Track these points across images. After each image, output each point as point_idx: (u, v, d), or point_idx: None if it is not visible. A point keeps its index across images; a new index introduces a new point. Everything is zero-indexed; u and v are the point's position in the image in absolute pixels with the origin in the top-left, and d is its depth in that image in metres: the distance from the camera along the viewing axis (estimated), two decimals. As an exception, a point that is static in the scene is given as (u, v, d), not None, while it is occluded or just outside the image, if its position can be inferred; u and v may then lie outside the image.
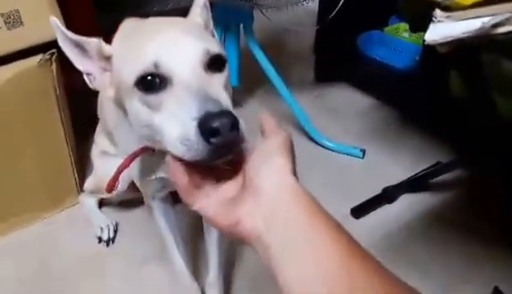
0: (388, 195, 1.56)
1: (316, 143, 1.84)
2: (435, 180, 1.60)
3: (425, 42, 0.71)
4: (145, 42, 0.68)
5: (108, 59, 0.74)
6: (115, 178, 0.77)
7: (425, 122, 1.83)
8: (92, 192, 1.51)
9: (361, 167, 1.75)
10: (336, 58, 2.12)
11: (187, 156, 0.59)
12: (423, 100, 1.80)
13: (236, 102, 2.09)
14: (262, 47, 1.85)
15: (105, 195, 1.48)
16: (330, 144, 1.82)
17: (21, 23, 1.31)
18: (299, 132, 1.88)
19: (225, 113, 0.58)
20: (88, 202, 1.56)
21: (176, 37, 0.68)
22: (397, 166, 1.71)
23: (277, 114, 1.97)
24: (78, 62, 0.76)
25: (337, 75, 2.19)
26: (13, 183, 1.47)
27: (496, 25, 0.66)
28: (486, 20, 0.66)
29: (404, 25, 2.06)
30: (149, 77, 0.64)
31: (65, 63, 1.37)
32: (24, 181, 1.48)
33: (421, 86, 1.78)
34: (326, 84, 2.20)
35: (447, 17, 0.69)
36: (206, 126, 0.57)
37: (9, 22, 1.29)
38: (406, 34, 2.05)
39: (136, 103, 0.67)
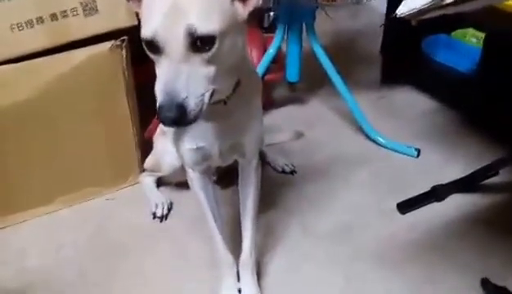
0: (437, 193, 1.53)
1: (372, 140, 1.85)
2: (486, 182, 1.56)
3: (397, 16, 0.78)
4: (156, 9, 0.79)
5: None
6: (156, 124, 0.86)
7: (484, 126, 1.78)
8: (151, 170, 1.62)
9: (414, 165, 1.73)
10: (402, 60, 2.12)
11: None
12: (484, 104, 1.75)
13: (298, 99, 2.15)
14: (330, 49, 1.90)
15: (163, 173, 1.58)
16: (384, 142, 1.82)
17: (97, 11, 1.45)
18: (356, 130, 1.92)
19: (172, 109, 0.77)
20: (147, 180, 1.66)
21: (175, 14, 0.77)
22: (451, 167, 1.68)
23: (337, 112, 2.01)
24: None
25: (402, 77, 2.19)
26: (80, 158, 1.59)
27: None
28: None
29: (472, 31, 2.02)
30: (150, 43, 0.79)
31: (133, 55, 1.53)
32: (90, 157, 1.60)
33: (482, 90, 1.73)
34: (391, 86, 2.20)
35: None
36: (159, 115, 0.78)
37: (86, 10, 1.44)
38: (473, 39, 2.01)
39: (148, 53, 0.82)
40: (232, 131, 1.06)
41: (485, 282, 1.24)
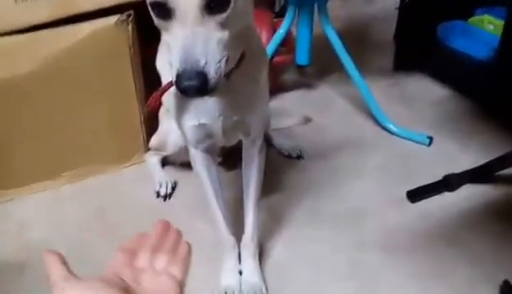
0: (449, 183, 1.49)
1: (383, 128, 1.81)
2: (499, 173, 1.51)
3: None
4: None
5: None
6: (156, 98, 0.82)
7: (499, 116, 1.74)
8: (156, 149, 1.60)
9: (426, 154, 1.69)
10: (415, 47, 2.06)
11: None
12: (500, 92, 1.70)
13: (307, 84, 2.11)
14: (343, 34, 1.85)
15: (168, 152, 1.56)
16: (395, 129, 1.77)
17: (103, -17, 1.41)
18: (366, 116, 1.88)
19: (193, 77, 0.72)
20: (152, 159, 1.64)
21: None
22: (463, 156, 1.63)
23: (347, 98, 1.97)
24: None
25: (415, 64, 2.13)
26: (84, 134, 1.58)
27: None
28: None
29: (489, 17, 1.97)
30: (158, 5, 0.74)
31: (140, 28, 1.50)
32: (95, 133, 1.59)
33: (499, 78, 1.68)
34: (404, 73, 2.15)
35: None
36: (178, 85, 0.74)
37: (92, -19, 1.40)
38: (490, 26, 1.95)
39: (155, 19, 0.77)
40: (236, 107, 1.01)
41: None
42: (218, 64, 0.75)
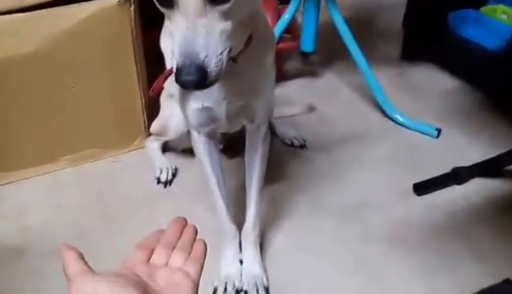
0: (457, 176, 1.45)
1: (389, 118, 1.77)
2: (510, 167, 1.47)
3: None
4: None
5: None
6: (159, 82, 0.80)
7: (510, 108, 1.70)
8: (157, 134, 1.56)
9: (433, 146, 1.65)
10: (424, 35, 2.02)
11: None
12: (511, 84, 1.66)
13: (312, 72, 2.07)
14: (349, 22, 1.80)
15: (169, 138, 1.53)
16: (402, 120, 1.74)
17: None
18: (372, 106, 1.84)
19: (192, 71, 0.70)
20: (153, 145, 1.61)
21: None
22: (473, 149, 1.60)
23: (352, 87, 1.93)
24: None
25: (423, 54, 2.09)
26: (85, 118, 1.54)
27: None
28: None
29: (503, 6, 1.92)
30: None
31: (142, 13, 1.47)
32: (95, 117, 1.56)
33: (511, 69, 1.64)
34: (411, 62, 2.11)
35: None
36: (177, 79, 0.71)
37: (96, -41, 1.36)
38: (504, 16, 1.90)
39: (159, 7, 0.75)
40: (242, 91, 0.98)
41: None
42: (219, 57, 0.72)
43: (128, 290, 0.55)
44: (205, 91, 0.94)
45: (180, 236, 0.70)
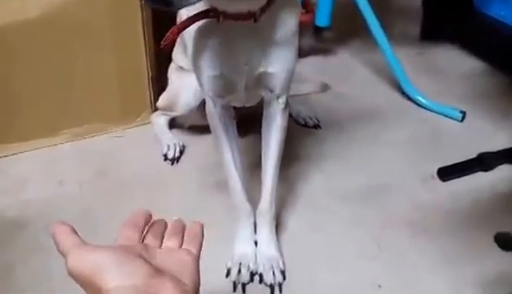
0: (484, 162, 1.37)
1: (410, 99, 1.68)
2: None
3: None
4: None
5: None
6: (173, 32, 0.72)
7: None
8: (164, 109, 1.49)
9: (458, 130, 1.57)
10: (446, 14, 1.92)
11: None
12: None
13: (326, 50, 1.98)
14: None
15: (177, 113, 1.45)
16: (425, 102, 1.65)
17: None
18: (391, 86, 1.76)
19: None
20: (160, 120, 1.53)
21: None
22: (499, 134, 1.51)
23: (369, 65, 1.84)
24: None
25: (444, 33, 2.00)
26: (89, 90, 1.48)
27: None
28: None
29: (534, -17, 1.80)
30: None
31: None
32: (99, 90, 1.49)
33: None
34: (431, 42, 2.02)
35: None
36: None
37: None
38: (535, -5, 1.79)
39: None
40: (263, 56, 0.89)
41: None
42: None
43: (136, 261, 0.51)
44: (224, 56, 0.87)
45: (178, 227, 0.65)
